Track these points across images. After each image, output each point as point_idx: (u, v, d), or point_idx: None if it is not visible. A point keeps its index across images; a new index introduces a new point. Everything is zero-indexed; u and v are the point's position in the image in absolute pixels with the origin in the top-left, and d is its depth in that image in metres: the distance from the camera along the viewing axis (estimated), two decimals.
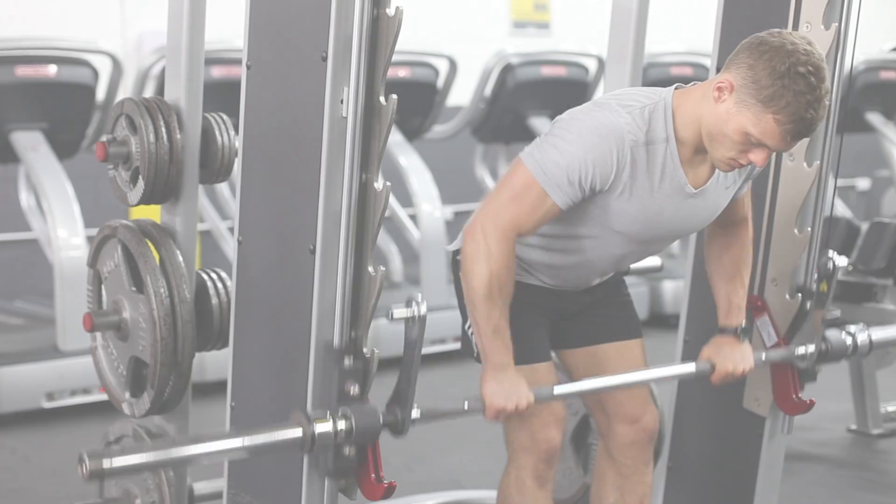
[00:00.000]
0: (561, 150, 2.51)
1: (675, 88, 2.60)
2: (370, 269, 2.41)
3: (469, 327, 2.80)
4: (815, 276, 3.05)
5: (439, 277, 6.09)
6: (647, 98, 2.58)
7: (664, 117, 2.55)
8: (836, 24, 3.01)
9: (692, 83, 2.64)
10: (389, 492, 2.43)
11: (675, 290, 6.63)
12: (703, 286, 3.32)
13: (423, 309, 2.38)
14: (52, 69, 5.44)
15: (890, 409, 4.93)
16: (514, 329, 2.72)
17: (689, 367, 2.90)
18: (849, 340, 3.10)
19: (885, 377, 4.93)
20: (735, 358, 2.85)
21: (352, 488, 2.51)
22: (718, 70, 3.19)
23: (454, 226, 6.79)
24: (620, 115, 2.53)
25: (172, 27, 2.91)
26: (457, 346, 6.01)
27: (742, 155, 2.51)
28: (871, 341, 3.14)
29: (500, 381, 2.55)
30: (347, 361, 2.40)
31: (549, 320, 2.83)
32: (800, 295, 3.10)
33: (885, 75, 7.52)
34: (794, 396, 3.10)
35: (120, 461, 2.12)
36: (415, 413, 2.44)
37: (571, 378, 2.94)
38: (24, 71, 5.39)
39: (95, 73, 5.56)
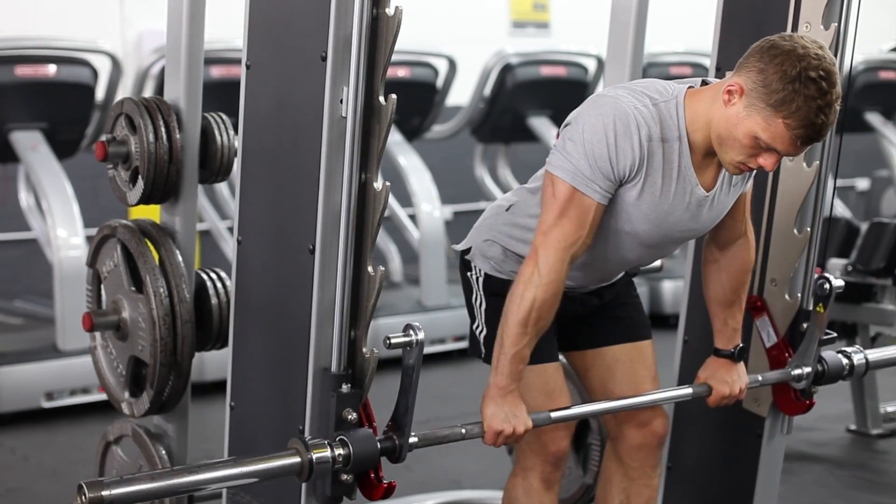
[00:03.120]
0: (584, 145, 2.49)
1: (688, 88, 2.57)
2: (369, 268, 2.41)
3: (477, 327, 2.79)
4: (812, 296, 3.06)
5: (439, 277, 6.09)
6: (659, 94, 2.55)
7: (676, 116, 2.54)
8: (836, 24, 3.01)
9: (700, 80, 2.62)
10: (389, 492, 2.43)
11: (674, 290, 6.63)
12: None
13: (421, 335, 2.38)
14: (51, 69, 5.45)
15: (889, 409, 4.92)
16: None
17: (686, 391, 2.90)
18: (845, 362, 3.11)
19: (884, 377, 4.93)
20: (731, 380, 2.86)
21: (351, 488, 2.51)
22: (718, 69, 3.20)
23: (454, 226, 6.81)
24: (636, 106, 2.51)
25: (172, 27, 2.91)
26: (457, 346, 6.02)
27: (751, 159, 2.50)
28: (867, 362, 3.14)
29: (500, 403, 2.55)
30: (345, 387, 2.40)
31: (557, 322, 2.82)
32: (799, 296, 3.10)
33: (885, 75, 7.52)
34: (793, 396, 3.10)
35: (118, 490, 2.13)
36: (412, 439, 2.45)
37: (580, 380, 2.94)
38: (23, 70, 5.39)
39: (95, 73, 5.56)
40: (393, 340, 2.35)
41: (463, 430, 2.57)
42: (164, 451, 2.94)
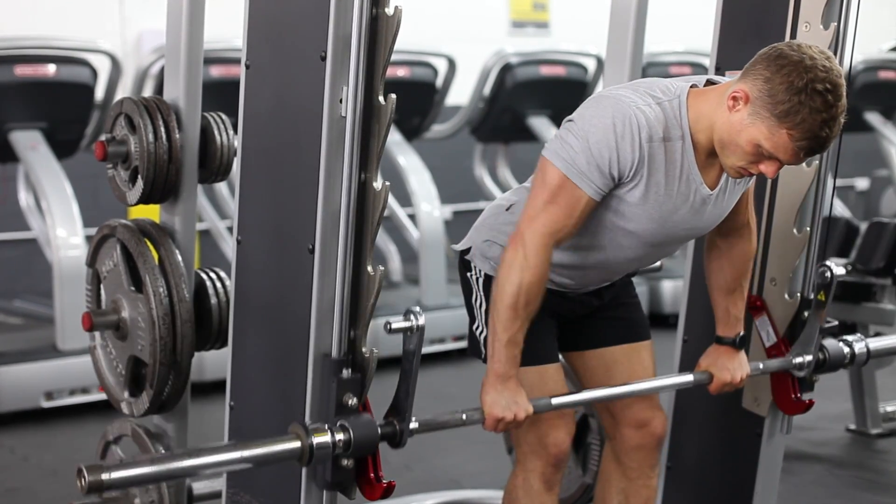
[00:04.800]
0: (585, 140, 2.49)
1: (691, 87, 2.57)
2: (369, 268, 2.41)
3: (477, 328, 2.79)
4: (813, 286, 3.06)
5: (438, 277, 6.09)
6: (663, 93, 2.55)
7: (679, 115, 2.53)
8: (835, 23, 3.01)
9: (705, 79, 2.61)
10: (388, 491, 2.43)
11: (674, 290, 6.63)
12: (703, 286, 3.31)
13: (421, 320, 2.39)
14: (51, 68, 5.45)
15: (889, 408, 4.92)
16: None
17: (687, 378, 2.90)
18: (846, 350, 3.11)
19: (884, 377, 4.94)
20: (732, 367, 2.86)
21: (351, 488, 2.51)
22: (718, 69, 3.20)
23: (453, 225, 6.81)
24: (639, 106, 2.50)
25: (171, 26, 2.91)
26: (456, 345, 6.02)
27: (752, 165, 2.49)
28: (868, 351, 3.14)
29: (500, 390, 2.55)
30: (346, 373, 2.40)
31: (557, 322, 2.82)
32: (798, 296, 3.11)
33: (884, 75, 7.52)
34: (793, 396, 3.10)
35: (118, 474, 2.12)
36: (413, 424, 2.45)
37: (579, 380, 2.94)
38: (23, 70, 5.39)
39: (94, 73, 5.56)
40: (393, 325, 2.35)
41: (463, 417, 2.57)
42: (163, 451, 2.93)
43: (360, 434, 2.37)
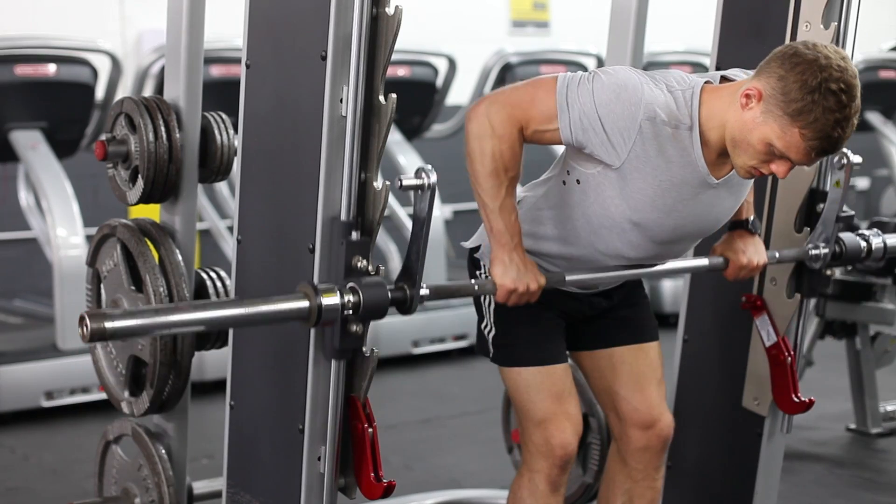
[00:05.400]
0: (589, 90, 2.49)
1: (706, 83, 2.56)
2: (369, 268, 2.41)
3: (485, 326, 2.78)
4: (828, 175, 2.98)
5: (438, 276, 6.08)
6: (677, 83, 2.54)
7: (690, 107, 2.52)
8: (836, 23, 3.01)
9: (720, 75, 2.60)
10: (389, 491, 2.43)
11: (674, 290, 6.62)
12: (703, 286, 3.32)
13: (433, 178, 2.33)
14: (51, 68, 5.44)
15: (889, 408, 4.92)
16: (530, 331, 2.71)
17: (702, 262, 2.84)
18: (863, 244, 3.03)
19: (884, 376, 4.94)
20: (748, 251, 2.82)
21: (351, 487, 2.51)
22: (718, 69, 3.20)
23: (454, 225, 6.81)
24: (652, 90, 2.49)
25: (172, 26, 2.91)
26: (456, 345, 6.02)
27: (764, 165, 2.48)
28: (885, 246, 3.06)
29: (507, 262, 2.53)
30: (355, 235, 2.35)
31: (565, 323, 2.81)
32: (811, 192, 3.05)
33: (885, 74, 7.52)
34: (793, 396, 3.10)
35: (121, 323, 2.04)
36: (423, 290, 2.39)
37: (587, 380, 2.93)
38: (23, 70, 5.39)
39: (95, 72, 5.56)
40: (405, 182, 2.30)
41: (475, 286, 2.53)
42: (163, 451, 2.94)
43: (370, 296, 2.29)
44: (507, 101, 2.53)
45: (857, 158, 2.94)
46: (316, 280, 2.40)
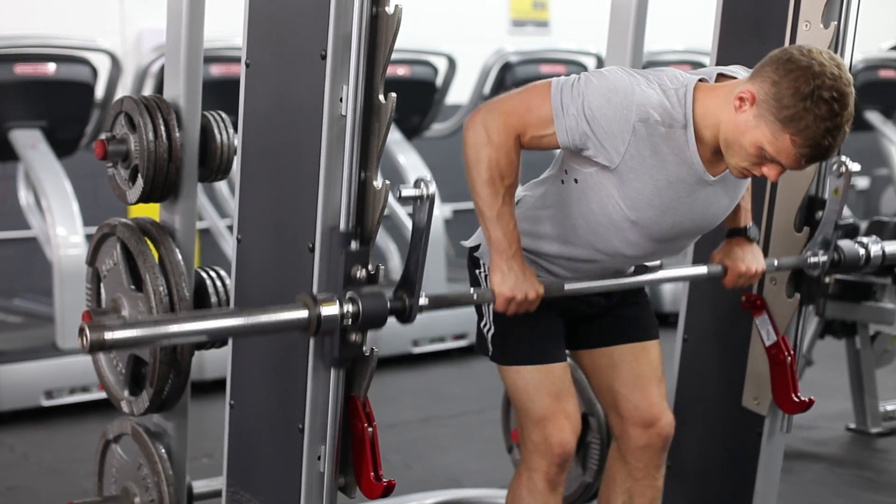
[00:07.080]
0: (581, 94, 2.50)
1: (700, 80, 2.56)
2: (369, 267, 2.41)
3: (485, 325, 2.78)
4: (827, 181, 2.98)
5: (438, 276, 6.08)
6: (671, 81, 2.55)
7: (684, 105, 2.52)
8: (836, 22, 3.01)
9: (716, 73, 2.60)
10: (388, 490, 2.43)
11: (674, 290, 6.62)
12: (703, 286, 3.32)
13: (432, 189, 2.34)
14: (51, 67, 5.45)
15: (889, 407, 4.92)
16: (529, 330, 2.71)
17: (701, 270, 2.85)
18: (861, 252, 3.04)
19: (884, 376, 4.94)
20: (747, 259, 2.83)
21: (351, 487, 2.51)
22: None
23: (453, 224, 6.81)
24: (644, 90, 2.50)
25: (171, 25, 2.91)
26: (456, 344, 6.01)
27: (755, 167, 2.49)
28: (884, 253, 3.07)
29: (506, 270, 2.54)
30: (354, 245, 2.35)
31: (565, 322, 2.81)
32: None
33: (884, 74, 7.51)
34: (793, 395, 3.10)
35: (121, 334, 2.05)
36: (422, 300, 2.40)
37: (587, 378, 2.93)
38: (23, 69, 5.39)
39: (94, 71, 5.56)
40: (404, 193, 2.31)
41: (474, 295, 2.54)
42: (163, 450, 2.94)
43: (369, 306, 2.29)
44: (503, 110, 2.54)
45: (855, 166, 2.95)
46: (316, 283, 2.40)
